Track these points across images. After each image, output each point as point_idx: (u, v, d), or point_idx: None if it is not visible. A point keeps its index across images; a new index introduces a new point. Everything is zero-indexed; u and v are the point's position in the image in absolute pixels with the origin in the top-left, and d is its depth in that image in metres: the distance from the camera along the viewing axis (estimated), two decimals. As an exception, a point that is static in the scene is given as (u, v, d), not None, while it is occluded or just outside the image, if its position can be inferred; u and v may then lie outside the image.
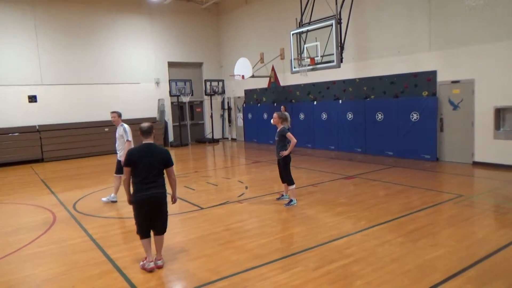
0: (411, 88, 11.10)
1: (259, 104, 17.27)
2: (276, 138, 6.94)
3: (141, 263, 4.56)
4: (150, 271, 4.39)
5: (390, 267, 4.19)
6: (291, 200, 6.89)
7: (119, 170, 7.35)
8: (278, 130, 6.91)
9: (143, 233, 4.52)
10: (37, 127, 14.64)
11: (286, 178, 6.89)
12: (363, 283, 3.85)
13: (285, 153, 6.75)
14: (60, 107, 15.28)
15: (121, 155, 7.37)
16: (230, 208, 6.96)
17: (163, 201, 4.55)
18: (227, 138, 19.76)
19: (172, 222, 6.44)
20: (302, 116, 14.76)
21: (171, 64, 18.20)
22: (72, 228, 6.20)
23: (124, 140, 7.36)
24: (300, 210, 6.59)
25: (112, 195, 7.67)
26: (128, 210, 7.01)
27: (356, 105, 12.72)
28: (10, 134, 13.92)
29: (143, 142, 4.53)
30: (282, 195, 7.30)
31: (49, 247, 5.43)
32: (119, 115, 7.50)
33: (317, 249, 4.78)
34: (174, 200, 4.82)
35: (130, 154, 4.42)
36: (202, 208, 6.99)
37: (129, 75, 17.01)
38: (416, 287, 3.74)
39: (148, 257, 4.50)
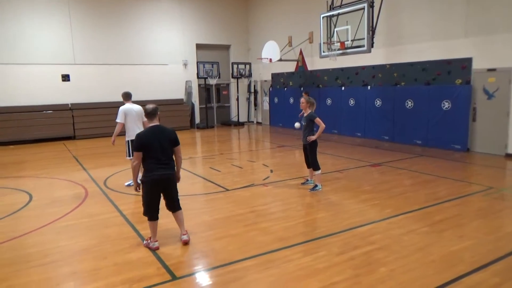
0: (444, 75, 10.75)
1: (285, 88, 17.17)
2: (304, 123, 6.92)
3: (145, 242, 4.69)
4: (156, 249, 4.51)
5: (415, 256, 4.18)
6: (316, 185, 6.91)
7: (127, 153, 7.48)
8: (305, 115, 6.89)
9: (152, 215, 4.57)
10: (70, 106, 15.14)
11: (313, 163, 6.89)
12: (387, 270, 3.87)
13: (313, 138, 6.74)
14: (91, 86, 15.69)
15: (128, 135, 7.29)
16: (255, 190, 7.05)
17: (174, 180, 4.68)
18: (253, 122, 19.81)
19: (198, 201, 6.64)
20: (329, 101, 14.59)
21: (199, 46, 18.27)
22: (103, 204, 6.46)
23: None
24: (325, 195, 6.60)
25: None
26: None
27: (385, 92, 12.46)
28: (45, 112, 14.48)
29: (150, 124, 4.55)
30: (307, 180, 7.32)
31: (82, 220, 5.69)
32: (125, 95, 7.53)
33: (341, 235, 4.81)
34: (178, 179, 4.84)
35: (140, 138, 4.41)
36: (227, 190, 7.11)
37: (157, 57, 17.21)
38: (441, 277, 3.72)
39: (153, 237, 4.60)
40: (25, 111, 14.23)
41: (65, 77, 15.21)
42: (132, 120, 7.28)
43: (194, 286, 3.74)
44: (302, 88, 15.79)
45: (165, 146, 4.47)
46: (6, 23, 14.09)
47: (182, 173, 8.80)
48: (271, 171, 8.60)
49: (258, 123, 19.41)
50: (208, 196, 6.85)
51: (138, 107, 7.36)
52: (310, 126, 6.82)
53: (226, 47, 19.36)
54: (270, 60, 15.39)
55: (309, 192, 6.77)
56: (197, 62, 17.80)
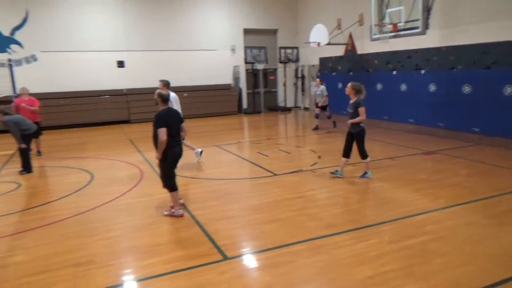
0: (506, 58, 9.98)
1: (334, 73, 16.80)
2: (350, 110, 6.60)
3: (166, 212, 5.20)
4: (181, 216, 5.08)
5: (473, 249, 4.02)
6: (366, 172, 6.76)
7: None
8: (352, 101, 6.60)
9: (175, 185, 5.17)
10: (125, 91, 15.85)
11: (360, 152, 6.64)
12: (442, 261, 3.76)
13: (351, 121, 6.48)
14: (144, 72, 16.28)
15: None
16: (303, 176, 7.05)
17: None
18: (300, 107, 19.66)
19: (246, 185, 6.78)
20: (379, 86, 14.10)
21: (246, 31, 18.29)
22: (157, 184, 6.73)
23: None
24: (375, 183, 6.48)
25: (197, 150, 8.26)
26: (208, 172, 7.46)
27: (440, 76, 11.82)
28: (102, 97, 15.29)
29: (164, 107, 5.07)
30: (337, 171, 6.92)
31: (138, 199, 6.02)
32: (164, 83, 7.67)
33: (392, 224, 4.72)
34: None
35: (164, 117, 4.94)
36: (275, 174, 7.18)
37: (206, 42, 17.46)
38: (500, 272, 3.56)
39: (177, 205, 5.16)
40: (85, 96, 15.11)
41: (120, 63, 15.91)
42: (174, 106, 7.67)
43: (245, 267, 3.86)
44: (351, 73, 15.39)
45: (177, 125, 5.11)
46: (64, 13, 14.90)
47: (230, 157, 9.02)
48: (319, 157, 8.55)
49: (305, 108, 19.23)
50: (256, 181, 6.96)
51: (174, 94, 7.76)
52: (356, 114, 6.47)
53: (274, 32, 19.22)
54: (318, 44, 15.09)
55: (359, 179, 6.66)
56: (244, 47, 17.86)
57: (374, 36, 11.86)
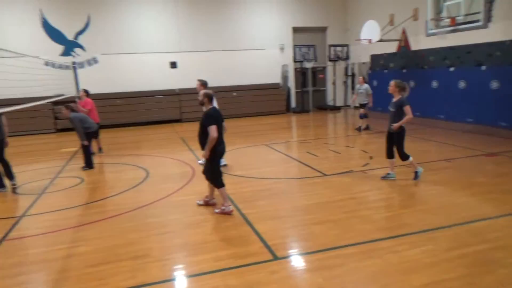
0: None
1: (385, 70, 16.25)
2: (392, 109, 6.27)
3: (217, 210, 5.33)
4: (231, 212, 5.26)
5: (542, 259, 3.72)
6: (416, 172, 6.41)
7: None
8: (394, 100, 6.28)
9: (222, 181, 5.32)
10: (177, 91, 16.40)
11: (400, 153, 6.33)
12: (508, 272, 3.52)
13: (396, 125, 6.14)
14: (195, 72, 16.66)
15: None
16: (354, 177, 6.91)
17: None
18: (349, 106, 19.24)
19: (295, 185, 6.75)
20: (435, 84, 13.44)
21: (295, 29, 18.19)
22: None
23: None
24: (431, 186, 6.19)
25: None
26: (257, 171, 7.51)
27: (504, 73, 11.02)
28: (155, 96, 15.94)
29: (211, 106, 5.26)
30: (388, 174, 6.65)
31: (190, 196, 6.21)
32: (202, 83, 7.76)
33: (450, 229, 4.49)
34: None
35: (215, 115, 5.14)
36: (325, 175, 7.09)
37: (255, 41, 17.59)
38: None
39: (227, 202, 5.31)
40: (139, 96, 15.84)
41: (173, 64, 16.50)
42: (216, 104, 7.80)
43: (296, 268, 3.86)
44: (404, 70, 14.80)
45: (221, 124, 5.28)
46: (122, 18, 15.72)
47: (278, 156, 9.03)
48: (371, 157, 8.32)
49: (355, 107, 18.76)
50: (305, 181, 6.91)
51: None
52: (399, 113, 6.14)
53: (323, 29, 18.95)
54: (370, 41, 14.67)
55: (413, 181, 6.39)
56: (293, 46, 17.79)
57: (430, 31, 11.34)
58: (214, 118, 5.08)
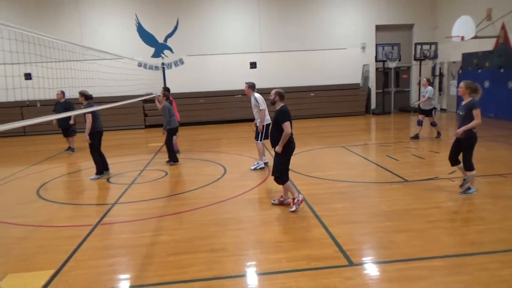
0: None
1: (479, 70, 14.82)
2: (461, 113, 5.72)
3: (292, 209, 5.39)
4: (303, 200, 5.46)
5: None
6: (469, 188, 5.81)
7: (257, 136, 7.95)
8: (464, 103, 5.74)
9: (288, 176, 5.44)
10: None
11: (466, 162, 5.74)
12: None
13: (460, 130, 5.59)
14: (274, 72, 16.92)
15: (257, 122, 7.88)
16: (439, 184, 6.41)
17: None
18: (436, 108, 17.89)
19: (373, 190, 6.48)
20: (541, 85, 11.93)
21: (378, 28, 17.44)
22: (283, 182, 6.97)
23: (258, 109, 7.75)
24: (532, 199, 5.51)
25: (259, 162, 8.09)
26: (333, 173, 7.36)
27: None
28: (235, 96, 16.44)
29: (282, 104, 5.38)
30: (464, 180, 6.00)
31: (266, 195, 6.29)
32: (249, 85, 7.90)
33: (556, 250, 3.95)
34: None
35: (288, 112, 5.27)
36: (406, 181, 6.69)
37: (336, 41, 17.24)
38: None
39: (295, 193, 5.47)
40: (220, 96, 16.46)
41: (253, 65, 16.87)
42: (266, 106, 7.77)
43: (373, 276, 3.68)
44: (502, 70, 13.36)
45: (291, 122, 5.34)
46: (207, 20, 16.47)
47: (356, 159, 8.78)
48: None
49: (442, 109, 17.46)
50: (384, 186, 6.59)
51: (260, 95, 7.94)
52: (468, 117, 5.58)
53: (409, 27, 17.90)
54: (462, 38, 13.50)
55: (506, 193, 5.74)
56: (376, 45, 17.08)
57: (537, 26, 10.06)
58: (287, 114, 5.25)
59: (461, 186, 6.03)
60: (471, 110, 5.58)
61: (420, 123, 10.76)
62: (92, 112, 7.38)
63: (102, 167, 7.82)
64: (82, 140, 8.79)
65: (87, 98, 7.60)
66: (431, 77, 17.70)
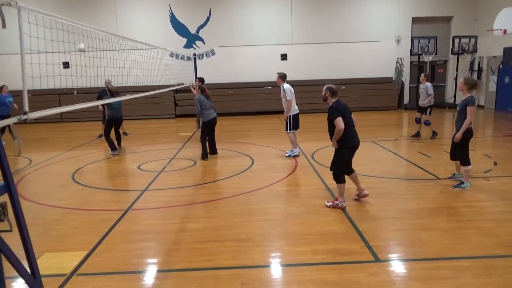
0: None
1: (522, 66, 14.12)
2: (458, 109, 5.81)
3: (330, 203, 5.29)
4: (344, 208, 5.17)
5: None
6: (462, 182, 5.90)
7: (287, 127, 8.28)
8: (463, 98, 5.82)
9: (343, 177, 5.24)
10: (285, 82, 16.64)
11: (461, 157, 5.88)
12: None
13: (458, 136, 5.71)
14: (305, 64, 16.77)
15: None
16: (473, 183, 6.16)
17: None
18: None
19: (403, 186, 6.37)
20: None
21: (415, 20, 16.88)
22: (310, 175, 6.96)
23: (286, 100, 7.94)
24: None
25: (293, 150, 8.38)
26: (362, 168, 7.21)
27: None
28: (264, 88, 16.42)
29: (334, 100, 5.15)
30: (453, 174, 6.37)
31: (292, 187, 6.31)
32: (280, 76, 8.08)
33: None
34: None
35: (338, 107, 5.06)
36: (438, 178, 6.52)
37: (369, 33, 16.84)
38: None
39: (343, 198, 5.23)
40: (249, 87, 16.48)
41: (283, 56, 16.77)
42: (294, 97, 8.06)
43: (399, 273, 3.63)
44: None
45: (349, 115, 5.14)
46: (239, 11, 16.49)
47: (386, 154, 8.63)
48: (495, 163, 7.37)
49: (479, 106, 16.77)
50: (415, 182, 6.44)
51: (289, 86, 8.15)
52: (464, 112, 5.67)
53: (447, 19, 17.22)
54: (505, 31, 12.88)
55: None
56: (411, 38, 16.56)
57: None
58: (337, 110, 5.03)
59: (449, 178, 6.35)
60: (465, 106, 5.69)
61: (418, 121, 10.30)
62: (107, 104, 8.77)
63: (112, 146, 9.15)
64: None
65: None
66: (469, 72, 17.00)
